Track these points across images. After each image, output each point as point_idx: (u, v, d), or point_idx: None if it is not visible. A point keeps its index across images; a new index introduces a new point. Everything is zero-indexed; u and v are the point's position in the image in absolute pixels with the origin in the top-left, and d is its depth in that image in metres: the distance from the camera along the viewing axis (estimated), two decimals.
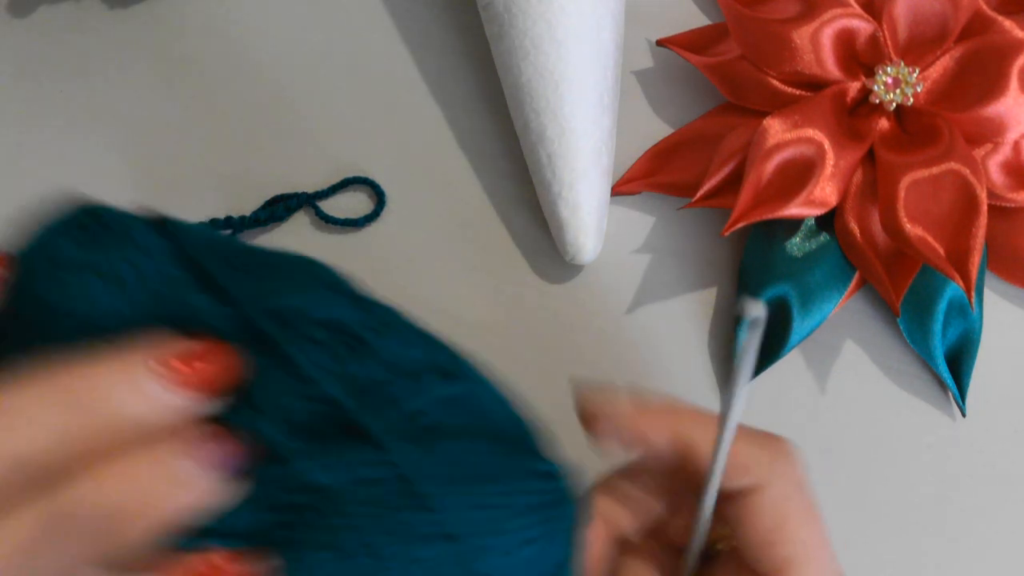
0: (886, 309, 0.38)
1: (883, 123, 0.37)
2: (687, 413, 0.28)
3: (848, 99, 0.37)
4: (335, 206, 0.40)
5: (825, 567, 0.27)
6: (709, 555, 0.29)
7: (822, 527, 0.27)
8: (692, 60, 0.39)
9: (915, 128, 0.36)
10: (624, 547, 0.30)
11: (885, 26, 0.37)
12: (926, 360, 0.36)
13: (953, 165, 0.34)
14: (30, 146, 0.41)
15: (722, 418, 0.25)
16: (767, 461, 0.27)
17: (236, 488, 0.20)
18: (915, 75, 0.36)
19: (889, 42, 0.37)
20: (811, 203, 0.35)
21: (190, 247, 0.23)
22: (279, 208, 0.39)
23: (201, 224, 0.38)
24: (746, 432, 0.27)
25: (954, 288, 0.36)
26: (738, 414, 0.25)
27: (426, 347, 0.24)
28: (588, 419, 0.28)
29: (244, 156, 0.41)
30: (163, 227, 0.24)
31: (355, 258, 0.39)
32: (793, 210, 0.35)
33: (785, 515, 0.27)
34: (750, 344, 0.23)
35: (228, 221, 0.38)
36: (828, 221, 0.37)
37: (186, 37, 0.43)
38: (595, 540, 0.29)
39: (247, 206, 0.40)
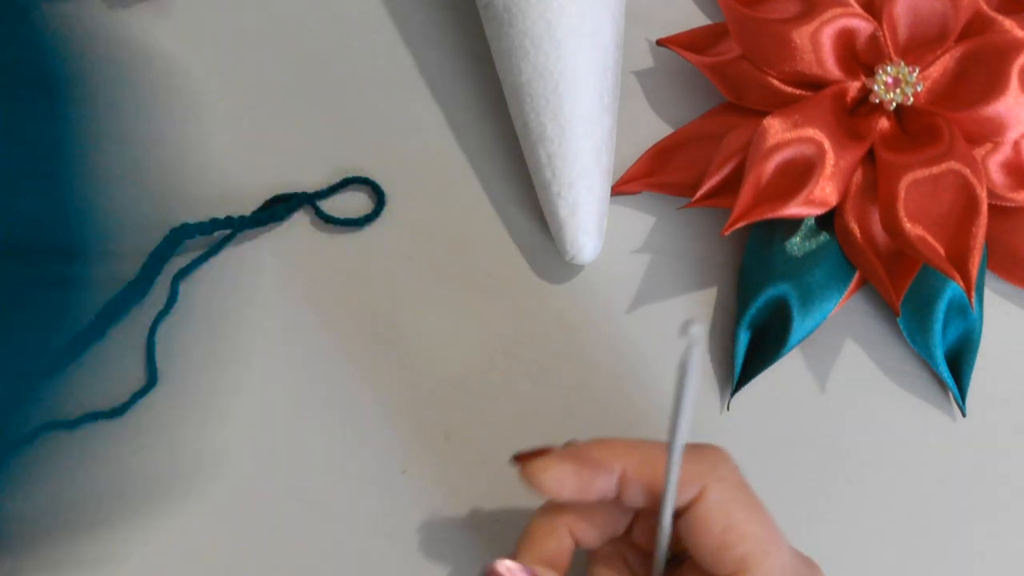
0: (886, 309, 0.38)
1: (883, 123, 0.37)
2: (621, 447, 0.28)
3: (848, 99, 0.37)
4: (335, 206, 0.40)
5: (781, 557, 0.27)
6: (679, 559, 0.30)
7: (769, 520, 0.28)
8: (692, 60, 0.39)
9: (915, 128, 0.36)
10: (593, 556, 0.31)
11: (885, 26, 0.37)
12: (926, 360, 0.36)
13: (953, 165, 0.34)
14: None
15: (671, 439, 0.26)
16: (703, 472, 0.28)
17: None
18: (915, 75, 0.36)
19: (889, 42, 0.37)
20: (811, 203, 0.35)
21: None
22: (279, 208, 0.39)
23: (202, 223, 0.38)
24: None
25: (954, 288, 0.36)
26: (685, 432, 0.26)
27: None
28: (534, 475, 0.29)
29: (244, 155, 0.41)
30: None
31: (355, 258, 0.39)
32: (793, 210, 0.35)
33: (730, 517, 0.27)
34: (691, 366, 0.23)
35: (228, 221, 0.38)
36: (828, 221, 0.37)
37: (186, 37, 0.43)
38: (562, 556, 0.29)
39: (247, 205, 0.40)
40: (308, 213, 0.40)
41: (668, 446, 0.26)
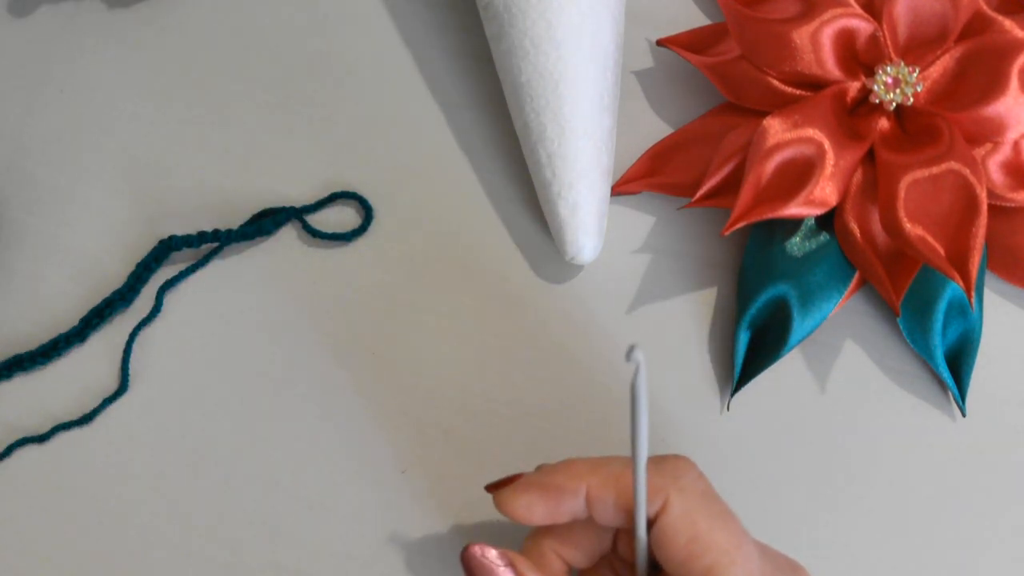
0: (886, 309, 0.38)
1: (883, 123, 0.37)
2: (584, 467, 0.29)
3: (848, 99, 0.37)
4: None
5: (749, 564, 0.27)
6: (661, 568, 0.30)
7: (737, 527, 0.28)
8: (692, 60, 0.39)
9: (915, 128, 0.36)
10: (583, 571, 0.31)
11: (885, 26, 0.37)
12: (926, 360, 0.36)
13: (953, 165, 0.34)
14: (28, 146, 0.41)
15: (634, 457, 0.26)
16: (665, 484, 0.28)
17: None
18: (915, 75, 0.36)
19: (889, 42, 0.37)
20: (811, 203, 0.35)
21: None
22: (267, 222, 0.39)
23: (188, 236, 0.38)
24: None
25: (954, 288, 0.36)
26: (645, 448, 0.26)
27: None
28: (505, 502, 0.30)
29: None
30: None
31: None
32: (793, 210, 0.35)
33: (694, 528, 0.27)
34: (640, 387, 0.25)
35: (215, 234, 0.38)
36: (828, 221, 0.37)
37: (185, 38, 0.43)
38: None
39: (235, 219, 0.39)
40: (296, 227, 0.39)
41: (633, 463, 0.27)
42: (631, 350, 0.23)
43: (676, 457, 0.29)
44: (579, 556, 0.30)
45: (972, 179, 0.34)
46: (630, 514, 0.28)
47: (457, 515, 0.35)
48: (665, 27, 0.41)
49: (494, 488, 0.30)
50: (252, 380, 0.37)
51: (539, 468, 0.30)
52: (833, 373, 0.37)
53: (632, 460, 0.27)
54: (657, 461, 0.28)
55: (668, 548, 0.27)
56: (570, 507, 0.29)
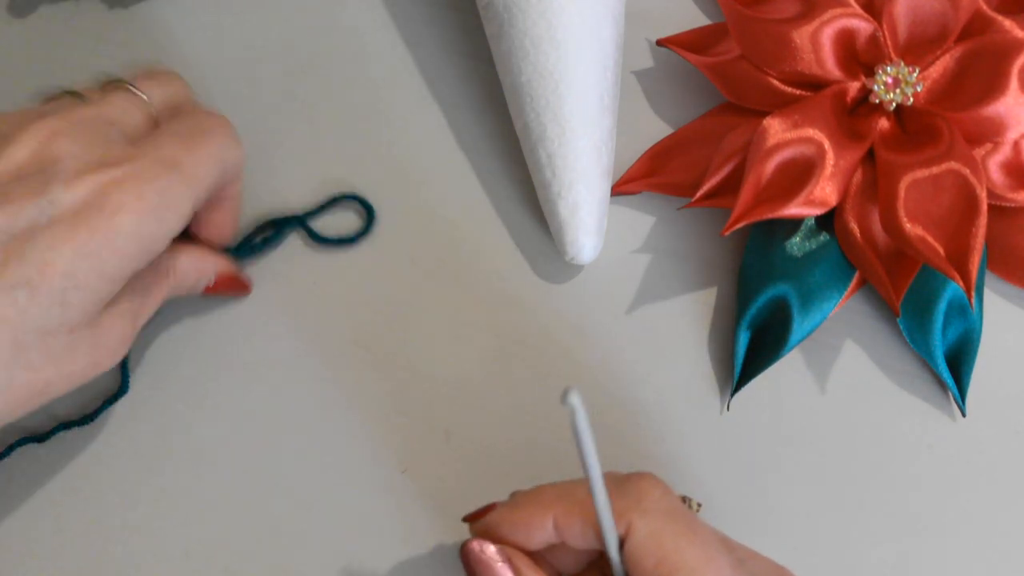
0: (886, 309, 0.38)
1: (883, 123, 0.37)
2: (549, 496, 0.29)
3: (848, 99, 0.37)
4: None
5: None
6: None
7: (707, 542, 0.28)
8: (692, 60, 0.39)
9: (915, 128, 0.36)
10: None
11: (885, 26, 0.37)
12: (926, 360, 0.36)
13: (953, 165, 0.34)
14: None
15: (592, 492, 0.26)
16: (627, 507, 0.28)
17: None
18: (915, 75, 0.36)
19: (889, 42, 0.37)
20: (811, 203, 0.35)
21: None
22: (273, 235, 0.38)
23: None
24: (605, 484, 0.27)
25: (954, 288, 0.36)
26: (601, 484, 0.26)
27: None
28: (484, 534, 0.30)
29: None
30: None
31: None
32: (793, 210, 0.35)
33: (661, 549, 0.27)
34: (581, 431, 0.24)
35: (224, 251, 0.38)
36: (828, 221, 0.37)
37: (184, 40, 0.43)
38: None
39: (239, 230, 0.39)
40: (300, 234, 0.39)
41: (593, 500, 0.26)
42: (566, 394, 0.23)
43: (639, 476, 0.29)
44: (566, 564, 0.30)
45: (972, 179, 0.34)
46: (600, 537, 0.28)
47: (457, 515, 0.35)
48: (665, 27, 0.41)
49: (470, 519, 0.30)
50: (252, 381, 0.37)
51: (512, 495, 0.30)
52: (833, 373, 0.37)
53: (592, 495, 0.26)
54: (620, 482, 0.28)
55: (638, 571, 0.27)
56: (540, 538, 0.29)
